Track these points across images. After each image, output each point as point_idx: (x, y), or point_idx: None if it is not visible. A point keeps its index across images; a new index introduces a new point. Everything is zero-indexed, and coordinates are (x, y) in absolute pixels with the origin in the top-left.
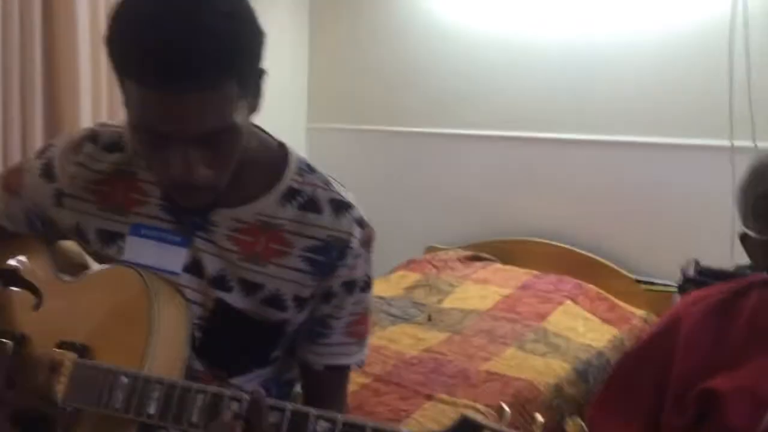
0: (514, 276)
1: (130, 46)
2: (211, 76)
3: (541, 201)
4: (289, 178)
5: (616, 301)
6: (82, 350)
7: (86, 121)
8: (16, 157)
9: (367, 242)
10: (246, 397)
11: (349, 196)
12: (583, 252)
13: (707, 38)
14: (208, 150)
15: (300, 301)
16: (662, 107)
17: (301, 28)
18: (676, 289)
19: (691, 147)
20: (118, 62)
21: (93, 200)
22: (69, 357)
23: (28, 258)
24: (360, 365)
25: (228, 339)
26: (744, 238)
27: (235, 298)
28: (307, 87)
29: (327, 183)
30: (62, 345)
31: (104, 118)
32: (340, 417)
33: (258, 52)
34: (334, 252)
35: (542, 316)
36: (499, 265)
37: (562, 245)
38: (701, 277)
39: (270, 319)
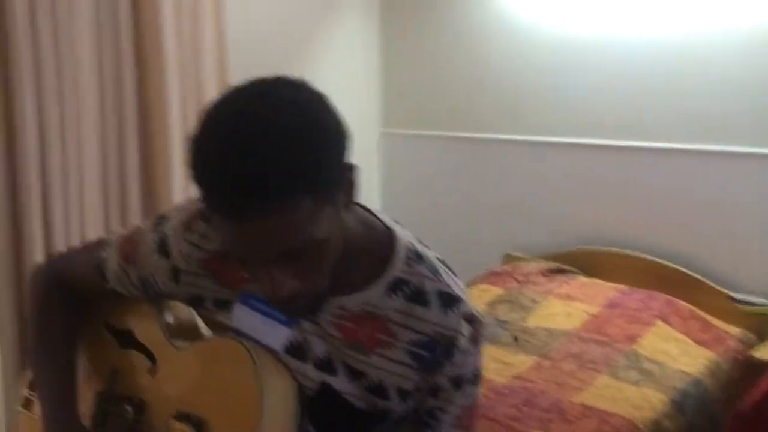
0: (600, 291)
1: (198, 177)
2: (278, 202)
3: (626, 210)
4: (397, 269)
5: (711, 319)
6: (199, 424)
7: (178, 185)
8: (113, 223)
9: (475, 338)
10: None
11: (458, 287)
12: (673, 265)
13: None
14: (295, 263)
15: (403, 393)
16: (766, 113)
17: (372, 32)
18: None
19: None
20: (200, 191)
21: (209, 276)
22: (185, 430)
23: (141, 320)
24: None
25: (330, 420)
26: None
27: (340, 382)
28: (381, 92)
29: (436, 272)
30: (179, 416)
31: None
32: None
33: (337, 155)
34: (440, 349)
35: (633, 339)
36: (583, 279)
37: (649, 257)
38: None
39: (373, 405)
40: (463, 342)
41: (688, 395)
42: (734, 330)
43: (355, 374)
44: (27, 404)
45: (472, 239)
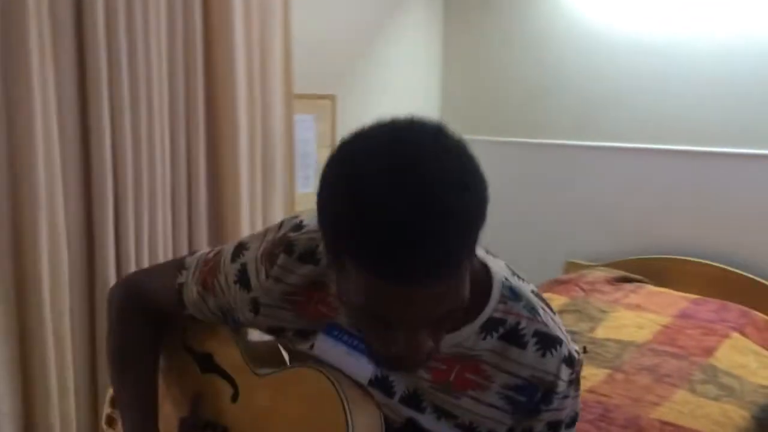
0: (671, 301)
1: (360, 232)
2: (453, 267)
3: (694, 217)
4: (492, 308)
5: None
6: None
7: (245, 193)
8: (181, 234)
9: (574, 381)
10: None
11: (556, 326)
12: (745, 273)
13: None
14: (436, 326)
15: None
16: None
17: (435, 34)
18: None
19: None
20: (341, 242)
21: (289, 309)
22: None
23: (220, 344)
24: None
25: None
26: None
27: (427, 420)
28: (440, 96)
29: (533, 310)
30: None
31: (259, 220)
32: None
33: (486, 215)
34: (537, 394)
35: (709, 352)
36: (651, 288)
37: (719, 265)
38: None
39: None
40: (562, 387)
41: (739, 391)
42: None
43: (444, 414)
44: (110, 422)
45: (534, 247)
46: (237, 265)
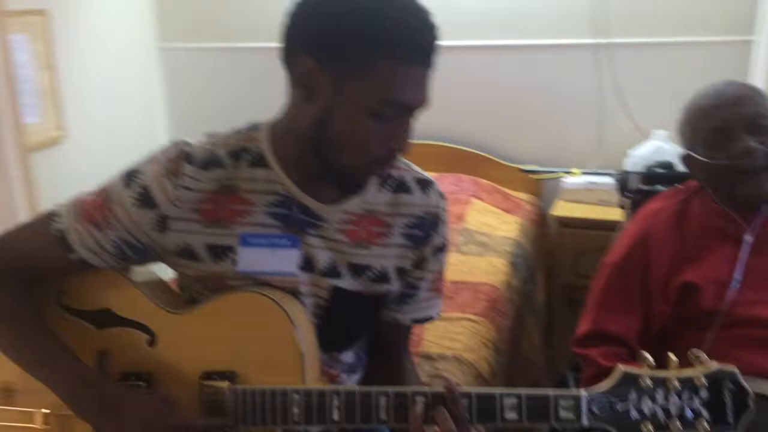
0: None
1: (396, 26)
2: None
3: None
4: None
5: (508, 191)
6: (232, 377)
7: None
8: None
9: (446, 210)
10: (429, 390)
11: (422, 171)
12: (474, 150)
13: None
14: (412, 122)
15: (401, 272)
16: (531, 10)
17: None
18: (554, 175)
19: (557, 47)
20: (375, 42)
21: (198, 219)
22: (225, 386)
23: (117, 296)
24: (439, 314)
25: (340, 320)
26: (688, 159)
27: (347, 282)
28: (156, 3)
29: (408, 164)
30: (207, 376)
31: None
32: (524, 391)
33: None
34: (428, 224)
35: (461, 217)
36: None
37: (450, 145)
38: (647, 186)
39: (376, 293)
40: (443, 215)
41: (517, 256)
42: (524, 196)
43: (360, 270)
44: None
45: None
46: (135, 189)
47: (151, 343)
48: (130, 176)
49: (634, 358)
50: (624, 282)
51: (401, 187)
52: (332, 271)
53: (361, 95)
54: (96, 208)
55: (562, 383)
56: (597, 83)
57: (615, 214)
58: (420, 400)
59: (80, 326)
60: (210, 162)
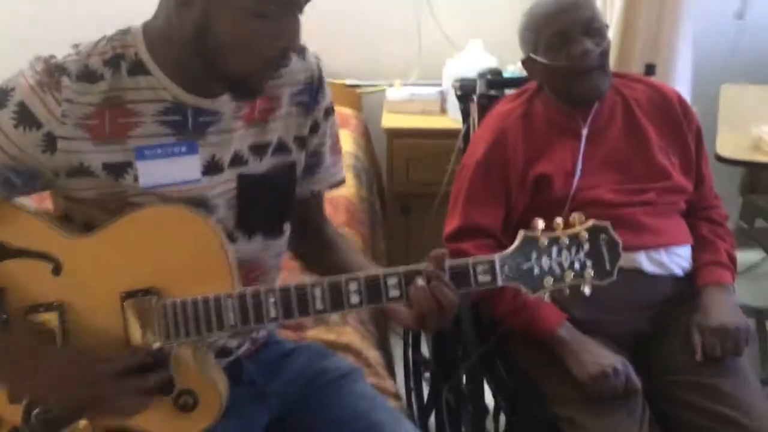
0: None
1: None
2: None
3: None
4: None
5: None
6: (156, 293)
7: None
8: None
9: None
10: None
11: None
12: None
13: None
14: None
15: (300, 141)
16: None
17: None
18: (377, 89)
19: None
20: None
21: (87, 137)
22: (152, 301)
23: (9, 225)
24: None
25: (254, 209)
26: (530, 62)
27: (252, 167)
28: None
29: None
30: (128, 295)
31: None
32: (497, 257)
33: None
34: (313, 88)
35: None
36: None
37: None
38: (494, 91)
39: (282, 167)
40: (322, 74)
41: (358, 168)
42: (349, 111)
43: (260, 149)
44: None
45: None
46: (11, 108)
47: (57, 271)
48: (2, 95)
49: (501, 247)
50: (486, 179)
51: None
52: (237, 161)
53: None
54: None
55: None
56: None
57: (437, 122)
58: (392, 281)
59: None
60: (87, 74)
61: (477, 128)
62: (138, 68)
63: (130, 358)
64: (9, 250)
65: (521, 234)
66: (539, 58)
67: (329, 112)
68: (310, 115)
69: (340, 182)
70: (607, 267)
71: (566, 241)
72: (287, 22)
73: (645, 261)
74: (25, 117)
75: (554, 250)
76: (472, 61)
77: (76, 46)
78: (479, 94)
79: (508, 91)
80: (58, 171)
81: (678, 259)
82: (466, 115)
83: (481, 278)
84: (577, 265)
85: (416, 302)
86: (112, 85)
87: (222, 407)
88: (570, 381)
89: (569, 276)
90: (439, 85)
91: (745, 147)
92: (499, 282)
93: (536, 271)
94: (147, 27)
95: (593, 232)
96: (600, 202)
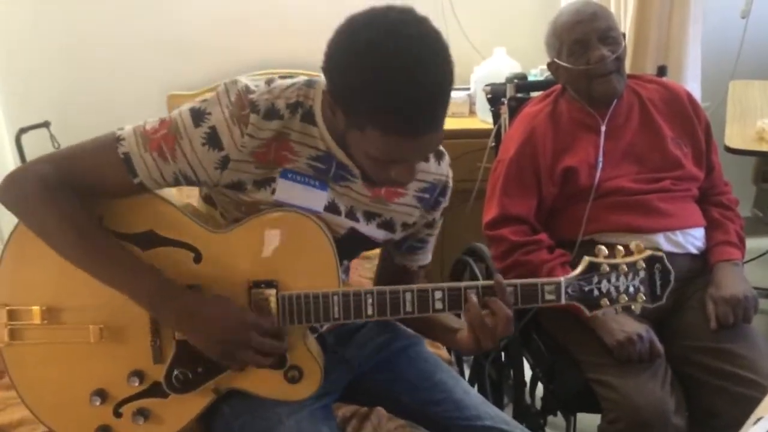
0: None
1: (392, 97)
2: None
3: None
4: None
5: None
6: (276, 286)
7: None
8: None
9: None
10: (480, 284)
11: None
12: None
13: None
14: None
15: (406, 226)
16: None
17: None
18: None
19: None
20: (365, 113)
21: (253, 161)
22: (271, 293)
23: (157, 219)
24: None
25: (347, 249)
26: (554, 66)
27: (362, 226)
28: None
29: None
30: (256, 285)
31: None
32: (518, 282)
33: None
34: (437, 191)
35: None
36: None
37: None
38: (521, 94)
39: (380, 238)
40: (450, 183)
41: None
42: None
43: (372, 216)
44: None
45: (132, 82)
46: (204, 129)
47: (198, 260)
48: (199, 116)
49: (535, 232)
50: (520, 173)
51: None
52: (350, 215)
53: (357, 142)
54: (164, 140)
55: (459, 266)
56: (438, 7)
57: (467, 123)
58: (472, 292)
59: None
60: (272, 113)
61: (508, 128)
62: (309, 117)
63: (267, 322)
64: (161, 238)
65: (585, 260)
66: (562, 63)
67: (444, 211)
68: (428, 212)
69: (426, 266)
70: (658, 292)
71: (625, 268)
72: (399, 167)
73: (663, 241)
74: (213, 140)
75: (613, 276)
76: (498, 66)
77: (268, 82)
78: (509, 97)
79: (534, 94)
80: (219, 183)
81: (693, 239)
82: (496, 116)
83: (548, 296)
84: (631, 290)
85: (468, 318)
86: (286, 125)
87: (322, 380)
88: (600, 348)
89: (623, 299)
90: (468, 89)
91: (751, 138)
92: (563, 301)
93: (595, 293)
94: (325, 86)
95: (649, 261)
96: (621, 191)
